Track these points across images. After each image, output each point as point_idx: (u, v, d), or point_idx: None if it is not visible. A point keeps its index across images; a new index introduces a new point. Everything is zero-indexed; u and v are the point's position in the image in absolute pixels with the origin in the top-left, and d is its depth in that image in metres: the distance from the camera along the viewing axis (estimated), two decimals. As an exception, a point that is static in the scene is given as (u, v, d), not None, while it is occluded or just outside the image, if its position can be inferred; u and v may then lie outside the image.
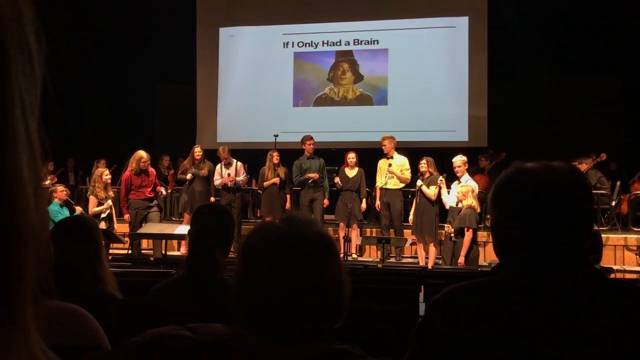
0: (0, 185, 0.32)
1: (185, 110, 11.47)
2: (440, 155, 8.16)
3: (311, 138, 8.44)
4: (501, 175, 1.22)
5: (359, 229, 8.42)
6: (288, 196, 8.54)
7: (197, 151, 8.43)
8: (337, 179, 8.16)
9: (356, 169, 8.27)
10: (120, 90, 11.04)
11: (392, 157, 8.08)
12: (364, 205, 8.25)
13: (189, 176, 8.38)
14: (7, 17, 0.32)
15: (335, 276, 1.04)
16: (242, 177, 8.49)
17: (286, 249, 1.02)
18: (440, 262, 7.42)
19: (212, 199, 8.39)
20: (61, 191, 7.29)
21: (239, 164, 8.51)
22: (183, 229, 6.67)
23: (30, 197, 0.34)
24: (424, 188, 7.48)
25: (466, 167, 7.28)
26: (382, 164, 8.12)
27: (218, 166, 8.46)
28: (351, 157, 8.25)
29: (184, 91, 11.71)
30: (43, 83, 0.34)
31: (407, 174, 8.09)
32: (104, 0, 10.43)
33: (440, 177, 7.40)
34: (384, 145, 8.07)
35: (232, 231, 2.29)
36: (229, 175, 8.36)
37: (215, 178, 8.42)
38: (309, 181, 8.19)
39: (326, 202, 8.31)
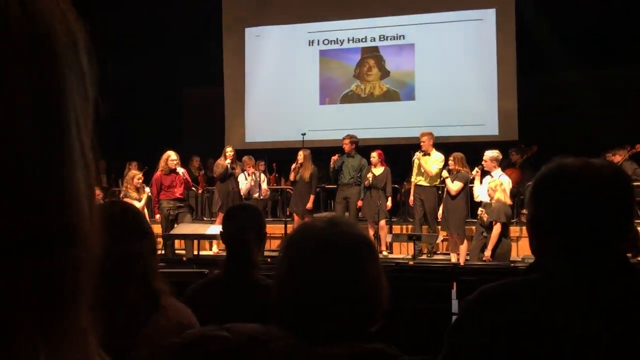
0: (59, 199, 0.35)
1: (214, 111, 11.58)
2: (471, 150, 8.06)
3: (347, 137, 8.32)
4: (541, 170, 1.19)
5: (387, 226, 8.39)
6: (312, 196, 8.48)
7: (229, 150, 8.45)
8: (369, 176, 8.09)
9: (382, 168, 8.16)
10: (149, 92, 11.21)
11: (429, 155, 7.96)
12: (389, 203, 8.15)
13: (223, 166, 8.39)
14: (64, 44, 0.34)
15: (375, 278, 1.04)
16: (264, 188, 8.63)
17: (327, 249, 1.02)
18: (468, 257, 7.34)
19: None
20: (98, 195, 7.46)
21: (262, 177, 8.64)
22: (215, 229, 6.73)
23: (85, 210, 0.37)
24: (448, 181, 7.41)
25: (494, 164, 7.15)
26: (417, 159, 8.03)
27: (242, 175, 8.53)
28: (373, 155, 8.14)
29: (211, 92, 11.82)
30: (95, 102, 0.37)
31: (435, 170, 7.89)
32: (130, 5, 10.59)
33: (476, 169, 7.29)
34: (423, 142, 7.89)
35: (264, 229, 2.29)
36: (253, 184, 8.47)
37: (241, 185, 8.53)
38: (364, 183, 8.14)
39: (359, 202, 8.25)
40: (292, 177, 8.54)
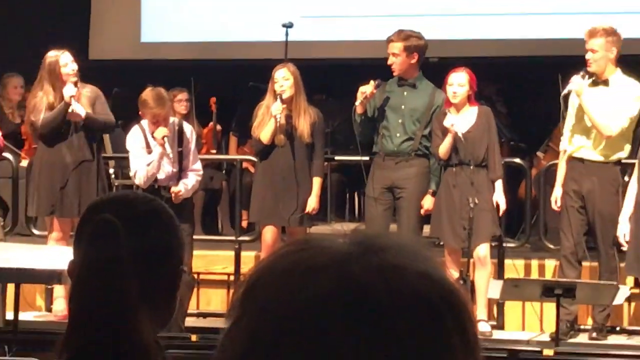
0: None
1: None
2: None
3: (400, 35, 4.27)
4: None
5: (493, 262, 4.24)
6: (318, 180, 4.27)
7: (67, 64, 4.05)
8: (450, 126, 4.09)
9: (473, 110, 4.20)
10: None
11: (606, 82, 4.00)
12: (502, 201, 4.15)
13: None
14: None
15: None
16: (192, 181, 4.17)
17: (355, 326, 0.42)
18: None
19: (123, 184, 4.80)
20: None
21: (187, 126, 4.31)
22: (56, 254, 3.34)
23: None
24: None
25: None
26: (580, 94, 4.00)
27: (137, 130, 4.12)
28: (457, 84, 4.09)
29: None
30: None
31: (626, 120, 3.98)
32: None
33: None
34: (592, 49, 3.99)
35: (177, 263, 1.11)
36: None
37: (137, 156, 4.07)
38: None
39: (428, 200, 4.24)
40: (281, 139, 4.17)
